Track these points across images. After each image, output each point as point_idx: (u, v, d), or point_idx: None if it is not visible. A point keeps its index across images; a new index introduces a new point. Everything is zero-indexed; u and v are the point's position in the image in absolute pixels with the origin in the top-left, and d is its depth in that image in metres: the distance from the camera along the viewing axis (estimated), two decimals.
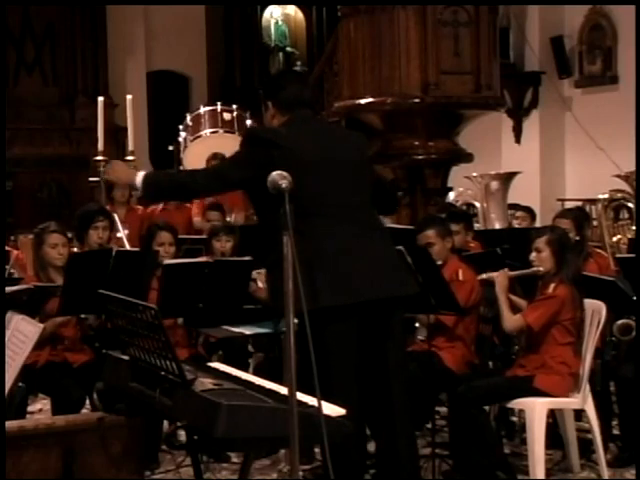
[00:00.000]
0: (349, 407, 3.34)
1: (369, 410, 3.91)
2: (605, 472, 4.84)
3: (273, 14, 15.27)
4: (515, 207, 7.67)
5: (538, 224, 7.21)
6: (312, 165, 3.78)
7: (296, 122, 3.94)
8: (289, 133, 3.86)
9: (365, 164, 4.08)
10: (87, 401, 5.01)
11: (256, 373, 4.75)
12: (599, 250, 6.13)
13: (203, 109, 10.76)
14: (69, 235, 5.46)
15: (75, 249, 5.69)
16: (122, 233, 7.05)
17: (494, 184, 7.92)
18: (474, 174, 8.03)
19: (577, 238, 5.36)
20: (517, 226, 6.93)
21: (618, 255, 6.23)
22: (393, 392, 3.90)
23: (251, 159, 3.79)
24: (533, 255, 4.84)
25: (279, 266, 3.63)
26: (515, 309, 4.90)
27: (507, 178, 8.05)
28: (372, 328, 3.84)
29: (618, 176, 7.69)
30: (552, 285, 4.76)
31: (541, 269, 4.82)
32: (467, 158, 7.36)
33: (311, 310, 3.57)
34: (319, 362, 3.61)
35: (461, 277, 5.07)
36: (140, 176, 3.99)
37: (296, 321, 3.44)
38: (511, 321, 4.82)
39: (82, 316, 5.10)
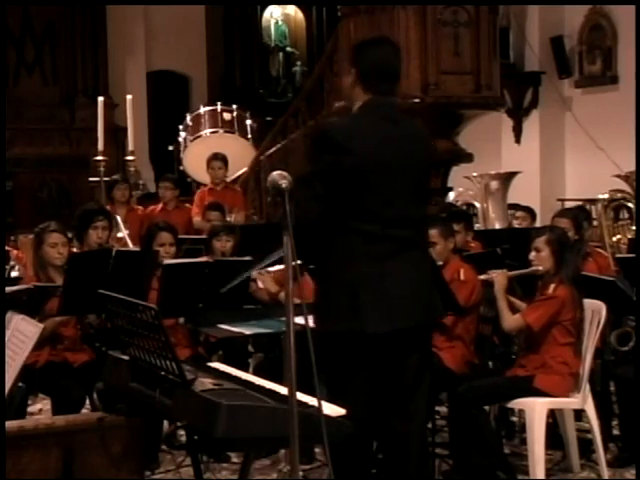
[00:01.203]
0: (359, 408, 3.38)
1: (380, 413, 3.81)
2: (605, 472, 4.84)
3: (273, 14, 15.28)
4: (515, 207, 7.67)
5: (538, 224, 7.21)
6: (375, 175, 3.57)
7: (370, 112, 3.66)
8: (360, 132, 3.61)
9: (428, 169, 3.89)
10: (87, 401, 5.01)
11: (256, 373, 4.75)
12: (599, 250, 6.13)
13: (203, 109, 10.78)
14: (69, 235, 5.46)
15: (74, 249, 5.69)
16: (124, 233, 7.07)
17: (494, 184, 7.92)
18: (474, 174, 8.03)
19: (576, 237, 5.36)
20: (517, 226, 6.93)
21: (618, 255, 6.23)
22: (411, 399, 3.78)
23: (321, 167, 3.58)
24: (532, 254, 4.84)
25: (334, 278, 3.59)
26: (514, 310, 4.90)
27: (507, 178, 8.05)
28: (397, 345, 3.67)
29: (618, 176, 7.70)
30: (552, 286, 4.76)
31: (540, 268, 4.82)
32: (467, 158, 7.35)
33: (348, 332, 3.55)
34: (335, 368, 3.59)
35: (462, 277, 5.07)
36: None
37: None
38: (510, 321, 4.82)
39: None
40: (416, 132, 3.80)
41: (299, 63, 15.36)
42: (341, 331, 3.59)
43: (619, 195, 7.32)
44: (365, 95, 3.69)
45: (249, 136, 10.67)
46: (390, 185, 3.59)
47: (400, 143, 3.66)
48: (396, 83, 3.77)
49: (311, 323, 3.73)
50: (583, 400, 4.73)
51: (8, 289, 4.52)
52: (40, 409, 6.08)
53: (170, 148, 11.35)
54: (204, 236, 6.49)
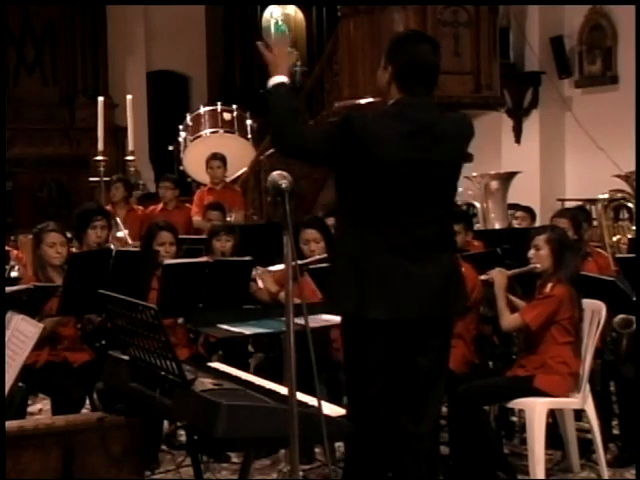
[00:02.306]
0: (365, 409, 3.43)
1: (389, 410, 3.73)
2: (605, 472, 4.84)
3: (273, 14, 15.27)
4: (515, 207, 7.67)
5: (538, 224, 7.20)
6: (391, 174, 3.51)
7: (395, 114, 3.58)
8: (379, 133, 3.53)
9: (456, 167, 3.72)
10: (87, 401, 5.01)
11: (256, 373, 4.75)
12: (599, 250, 6.13)
13: (203, 109, 10.78)
14: (69, 235, 5.46)
15: (74, 249, 5.69)
16: (124, 232, 7.08)
17: (494, 184, 7.92)
18: (474, 174, 8.02)
19: (575, 237, 5.36)
20: (517, 226, 6.93)
21: (618, 255, 6.23)
22: (423, 400, 3.72)
23: (334, 140, 3.55)
24: (531, 252, 4.84)
25: (345, 259, 3.59)
26: (514, 309, 4.90)
27: (507, 178, 8.05)
28: (409, 342, 3.65)
29: (618, 176, 7.69)
30: (550, 285, 4.76)
31: (538, 266, 4.82)
32: (467, 158, 7.34)
33: (351, 316, 3.57)
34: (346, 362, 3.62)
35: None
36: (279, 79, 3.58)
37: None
38: (508, 320, 4.82)
39: None
40: (445, 135, 3.62)
41: (299, 63, 15.35)
42: (347, 313, 3.60)
43: (619, 195, 7.31)
44: (399, 94, 3.62)
45: (249, 136, 10.67)
46: (399, 188, 3.54)
47: (419, 149, 3.54)
48: (431, 84, 3.66)
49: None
50: (583, 400, 4.73)
51: (8, 289, 4.52)
52: (40, 409, 6.08)
53: (170, 148, 11.35)
54: (204, 236, 6.49)
